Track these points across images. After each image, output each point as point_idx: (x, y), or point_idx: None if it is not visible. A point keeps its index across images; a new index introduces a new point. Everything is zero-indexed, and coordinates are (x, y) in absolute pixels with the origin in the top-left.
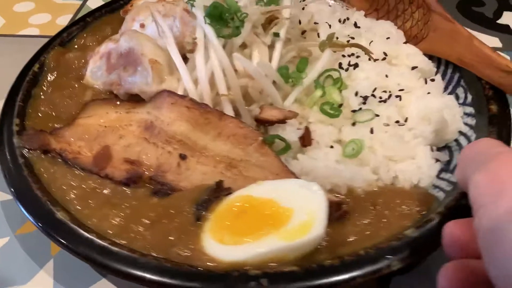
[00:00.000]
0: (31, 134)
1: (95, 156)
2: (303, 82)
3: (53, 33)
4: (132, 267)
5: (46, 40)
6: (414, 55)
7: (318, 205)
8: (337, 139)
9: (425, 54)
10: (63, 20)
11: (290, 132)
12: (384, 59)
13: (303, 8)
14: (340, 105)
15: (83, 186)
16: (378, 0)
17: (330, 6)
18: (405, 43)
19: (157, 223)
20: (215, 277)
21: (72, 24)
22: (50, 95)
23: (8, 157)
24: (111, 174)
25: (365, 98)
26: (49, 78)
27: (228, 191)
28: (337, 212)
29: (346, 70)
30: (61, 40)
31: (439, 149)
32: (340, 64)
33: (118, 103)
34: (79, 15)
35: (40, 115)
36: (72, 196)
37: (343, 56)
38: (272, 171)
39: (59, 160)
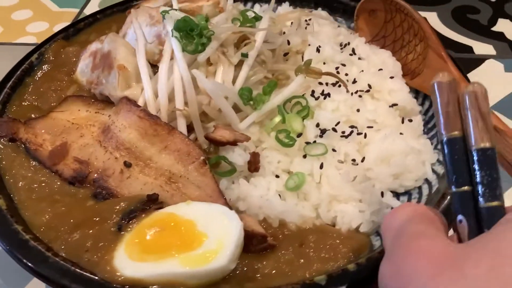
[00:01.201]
0: (4, 121)
1: (51, 151)
2: (264, 106)
3: None
4: (40, 265)
5: None
6: (397, 91)
7: (230, 236)
8: (286, 169)
9: (418, 91)
10: (60, 28)
11: (238, 155)
12: (368, 91)
13: (284, 33)
14: (299, 135)
15: (34, 177)
16: (387, 27)
17: (338, 26)
18: (403, 76)
19: (80, 226)
20: None
21: (81, 19)
22: (38, 86)
23: None
24: (61, 171)
25: (324, 131)
26: (43, 69)
27: (160, 206)
28: (261, 245)
29: (317, 98)
30: (66, 34)
31: (399, 194)
32: (312, 91)
33: (91, 101)
34: None
35: (23, 104)
36: (20, 185)
37: (320, 83)
38: (207, 192)
39: (22, 149)
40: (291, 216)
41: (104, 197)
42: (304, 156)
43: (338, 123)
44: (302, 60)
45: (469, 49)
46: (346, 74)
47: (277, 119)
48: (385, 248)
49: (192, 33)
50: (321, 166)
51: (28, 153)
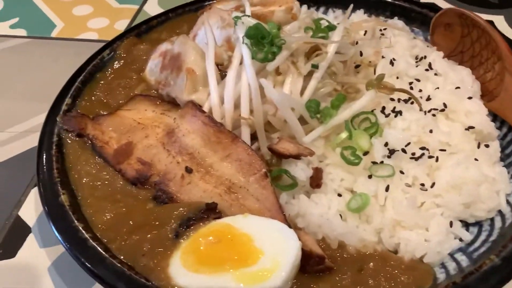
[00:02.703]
0: (72, 116)
1: (116, 150)
2: (331, 120)
3: (111, 37)
4: (96, 265)
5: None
6: (475, 113)
7: (288, 256)
8: (349, 188)
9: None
10: (121, 25)
11: (301, 170)
12: (442, 110)
13: (357, 43)
14: (366, 153)
15: (98, 175)
16: (464, 42)
17: (414, 38)
18: (481, 96)
19: (139, 229)
20: None
21: (153, 17)
22: (108, 82)
23: (46, 133)
24: (124, 170)
25: (392, 151)
26: (114, 66)
27: (218, 215)
28: (318, 266)
29: (387, 116)
30: (138, 31)
31: (468, 224)
32: (383, 108)
33: (158, 102)
34: (136, 21)
35: (92, 99)
36: (84, 182)
37: (392, 99)
38: (267, 206)
39: (89, 145)
40: (352, 239)
41: (163, 201)
42: (370, 176)
43: (409, 143)
44: (374, 73)
45: None
46: (420, 90)
47: (344, 135)
48: None
49: (263, 41)
50: (387, 189)
51: (94, 150)
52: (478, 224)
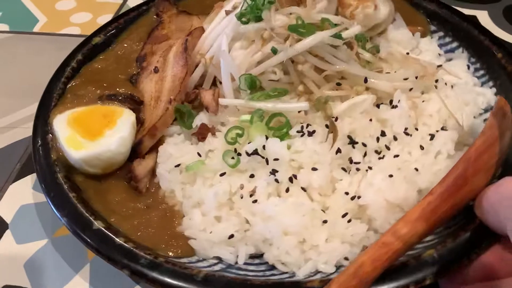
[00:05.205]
0: None
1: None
2: (249, 101)
3: None
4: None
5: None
6: None
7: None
8: None
9: None
10: (104, 20)
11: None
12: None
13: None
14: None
15: None
16: None
17: None
18: None
19: None
20: None
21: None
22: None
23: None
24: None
25: None
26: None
27: (133, 107)
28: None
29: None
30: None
31: None
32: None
33: None
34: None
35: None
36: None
37: None
38: None
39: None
40: None
41: (133, 81)
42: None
43: None
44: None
45: None
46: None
47: (245, 117)
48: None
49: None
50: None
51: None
52: None
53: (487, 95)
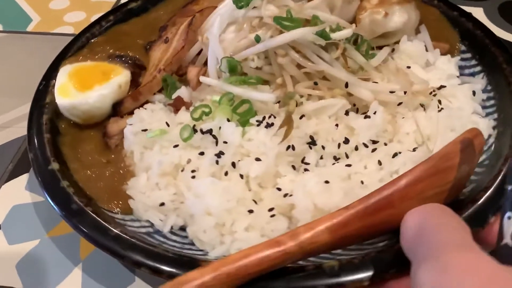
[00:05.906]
0: None
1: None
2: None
3: None
4: None
5: None
6: None
7: None
8: None
9: None
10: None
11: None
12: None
13: None
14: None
15: None
16: None
17: None
18: None
19: None
20: None
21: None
22: None
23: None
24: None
25: None
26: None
27: (135, 71)
28: None
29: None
30: None
31: None
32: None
33: None
34: None
35: None
36: None
37: None
38: None
39: None
40: None
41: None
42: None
43: None
44: None
45: None
46: None
47: (216, 97)
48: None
49: None
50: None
51: None
52: None
53: (480, 124)
